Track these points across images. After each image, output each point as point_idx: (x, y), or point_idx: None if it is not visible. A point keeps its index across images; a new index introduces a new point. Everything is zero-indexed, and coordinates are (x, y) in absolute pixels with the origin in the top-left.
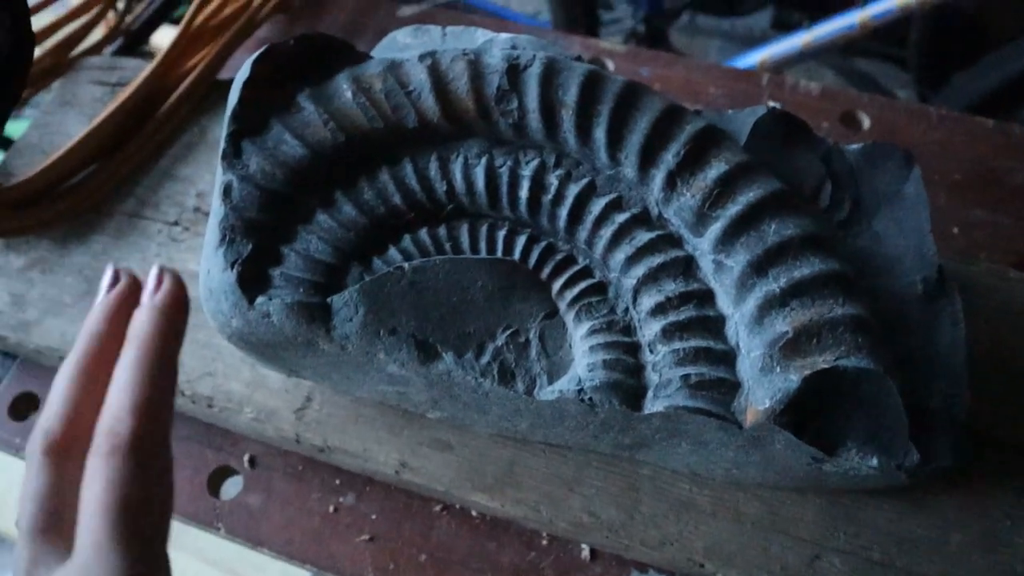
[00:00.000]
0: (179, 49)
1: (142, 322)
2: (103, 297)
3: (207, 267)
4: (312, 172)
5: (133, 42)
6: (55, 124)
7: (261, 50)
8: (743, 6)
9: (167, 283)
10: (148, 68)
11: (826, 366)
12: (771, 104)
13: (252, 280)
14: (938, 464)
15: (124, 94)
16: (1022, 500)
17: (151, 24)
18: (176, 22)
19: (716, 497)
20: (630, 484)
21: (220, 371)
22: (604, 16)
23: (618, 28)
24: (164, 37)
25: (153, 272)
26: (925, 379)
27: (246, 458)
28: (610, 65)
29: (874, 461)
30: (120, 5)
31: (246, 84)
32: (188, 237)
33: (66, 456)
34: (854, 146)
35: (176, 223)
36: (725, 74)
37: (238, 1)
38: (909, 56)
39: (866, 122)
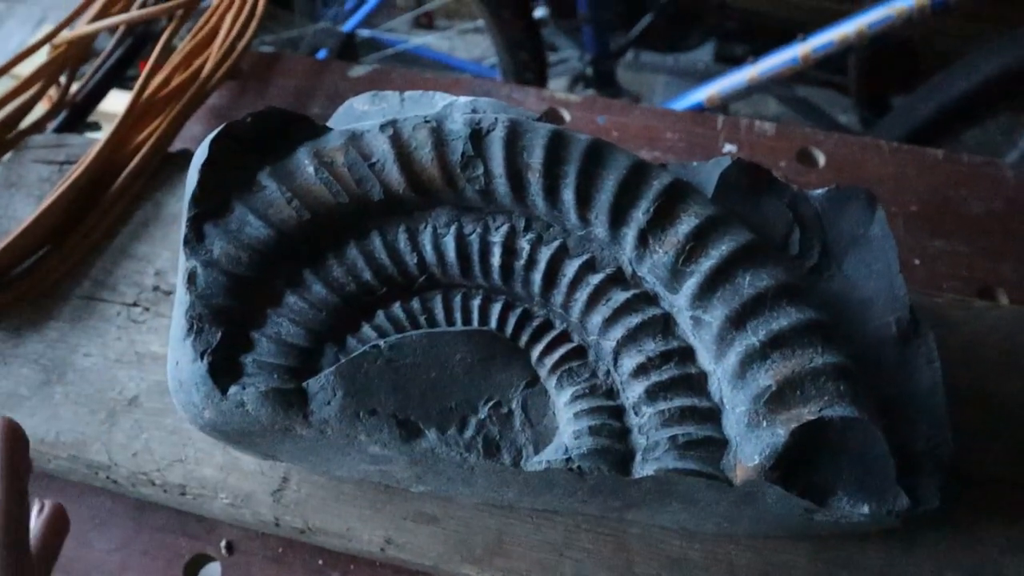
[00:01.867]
0: (129, 122)
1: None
2: None
3: (175, 358)
4: (278, 252)
5: (78, 115)
6: (1, 207)
7: (218, 130)
8: (686, 42)
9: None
10: (98, 144)
11: (812, 417)
12: (728, 149)
13: (223, 369)
14: (927, 507)
15: (75, 172)
16: (1009, 532)
17: (96, 95)
18: (124, 87)
19: (708, 551)
20: (620, 544)
21: (191, 457)
22: (550, 57)
23: (564, 69)
24: (112, 104)
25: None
26: (907, 421)
27: (223, 544)
28: (566, 115)
29: (865, 508)
30: (63, 79)
31: (204, 165)
32: (149, 318)
33: None
34: (818, 191)
35: (135, 304)
36: (681, 119)
37: (187, 71)
38: (849, 82)
39: (821, 159)
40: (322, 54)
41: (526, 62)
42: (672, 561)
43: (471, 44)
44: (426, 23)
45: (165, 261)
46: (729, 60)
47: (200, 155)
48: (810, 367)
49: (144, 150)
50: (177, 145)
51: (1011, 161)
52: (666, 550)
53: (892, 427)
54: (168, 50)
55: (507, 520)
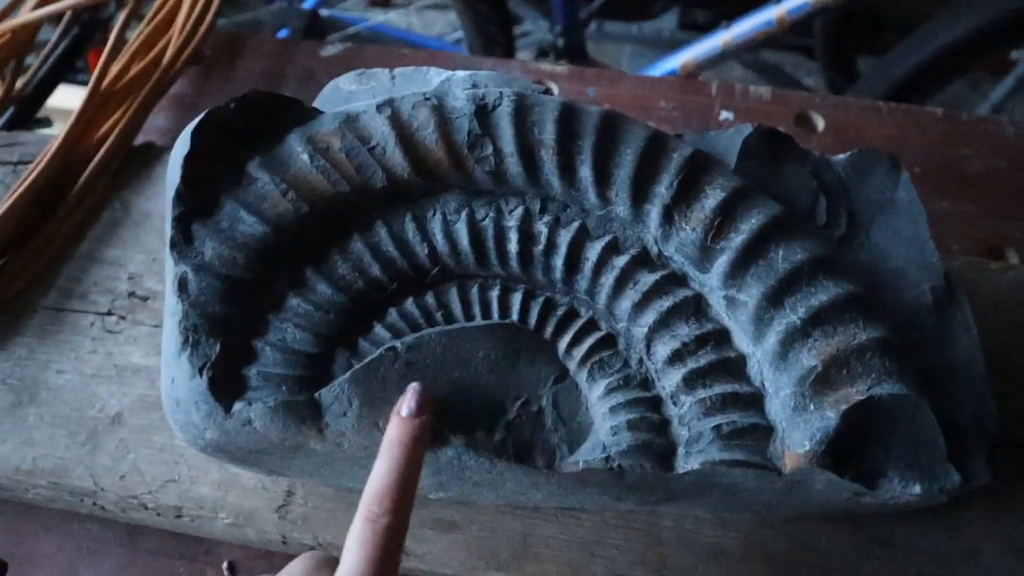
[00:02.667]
0: (88, 116)
1: (402, 438)
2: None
3: (170, 375)
4: (277, 251)
5: (26, 111)
6: None
7: (199, 118)
8: (649, 10)
9: (416, 400)
10: (55, 140)
11: (861, 398)
12: (725, 116)
13: (225, 385)
14: (978, 482)
15: (31, 172)
16: None
17: (44, 89)
18: (72, 81)
19: (743, 539)
20: (653, 538)
21: (185, 476)
22: (514, 30)
23: (528, 42)
24: (64, 98)
25: (413, 400)
26: (948, 393)
27: (224, 565)
28: (555, 88)
29: (917, 488)
30: (7, 72)
31: (188, 159)
32: (126, 327)
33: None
34: (840, 156)
35: (110, 312)
36: (673, 87)
37: (146, 58)
38: (815, 45)
39: (820, 123)
40: (282, 34)
41: (493, 36)
42: (708, 552)
43: (429, 21)
44: (382, 1)
45: (139, 264)
46: (692, 27)
47: (181, 147)
48: (855, 344)
49: (106, 145)
50: (141, 138)
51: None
52: (700, 540)
53: (935, 400)
54: (124, 37)
55: (532, 521)
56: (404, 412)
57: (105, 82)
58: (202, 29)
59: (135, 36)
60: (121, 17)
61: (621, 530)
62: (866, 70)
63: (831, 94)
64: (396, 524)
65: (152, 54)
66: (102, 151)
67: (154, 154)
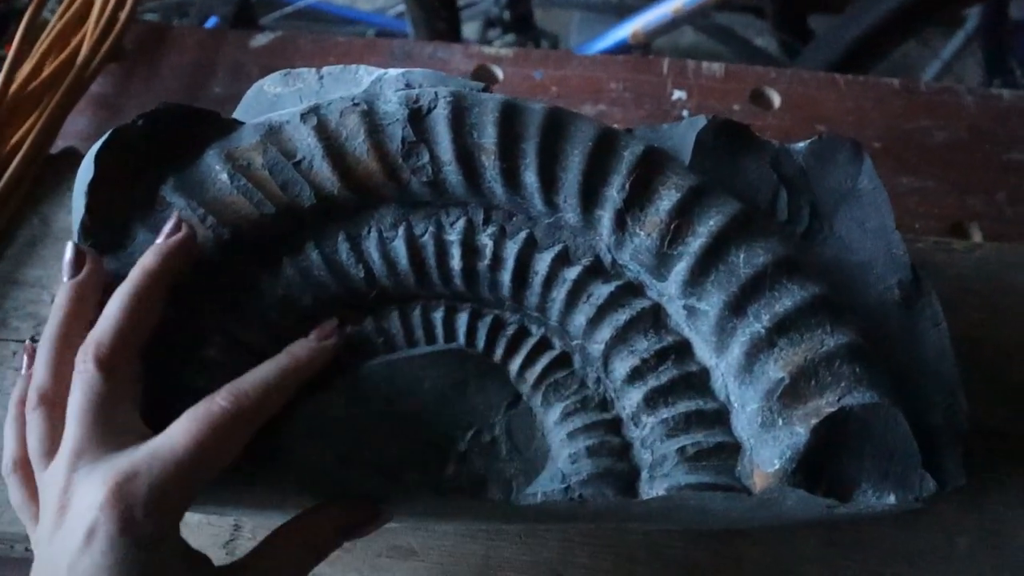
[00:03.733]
0: None
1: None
2: (67, 281)
3: None
4: (196, 285)
5: None
6: None
7: (102, 140)
8: None
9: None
10: None
11: (832, 410)
12: (677, 95)
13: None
14: (954, 485)
15: None
16: (1016, 491)
17: None
18: None
19: (715, 550)
20: (622, 555)
21: None
22: (459, 1)
23: (473, 12)
24: None
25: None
26: (919, 393)
27: None
28: (499, 72)
29: (891, 498)
30: None
31: (92, 186)
32: None
33: (52, 406)
34: (799, 145)
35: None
36: (623, 66)
37: (61, 54)
38: (765, 4)
39: (776, 99)
40: (212, 21)
41: (436, 9)
42: (678, 566)
43: None
44: None
45: None
46: None
47: (85, 174)
48: (823, 351)
49: (21, 154)
50: (59, 144)
51: (934, 73)
52: (671, 555)
53: (906, 402)
54: (35, 30)
55: (493, 543)
56: (312, 335)
57: (14, 85)
58: (121, 19)
59: (47, 31)
60: (30, 9)
61: (588, 548)
62: (819, 29)
63: (785, 59)
64: (236, 416)
65: (68, 50)
66: (15, 162)
67: (75, 161)
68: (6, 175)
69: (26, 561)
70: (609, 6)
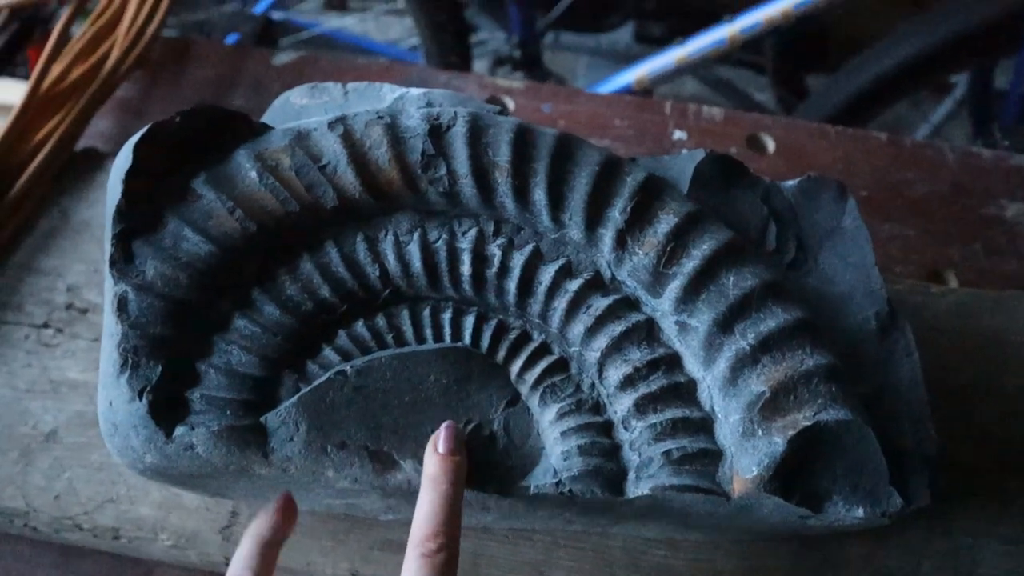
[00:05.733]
0: (26, 119)
1: (436, 467)
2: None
3: (108, 398)
4: (222, 271)
5: None
6: None
7: (142, 132)
8: (606, 22)
9: (452, 437)
10: None
11: (808, 424)
12: (678, 136)
13: (166, 408)
14: (918, 505)
15: None
16: (980, 520)
17: None
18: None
19: (692, 560)
20: (603, 559)
21: (123, 496)
22: (471, 39)
23: (484, 51)
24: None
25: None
26: (890, 417)
27: None
28: (511, 104)
29: (860, 512)
30: None
31: (129, 174)
32: (63, 340)
33: None
34: (789, 183)
35: (46, 325)
36: (628, 105)
37: (89, 60)
38: (766, 61)
39: (770, 145)
40: (233, 38)
41: (450, 44)
42: (657, 572)
43: (385, 26)
44: (338, 4)
45: (78, 275)
46: (648, 40)
47: (123, 162)
48: (802, 370)
49: (45, 149)
50: (83, 143)
51: (924, 136)
52: (650, 561)
53: (878, 424)
54: (66, 37)
55: (482, 541)
56: (441, 449)
57: (45, 84)
58: (149, 32)
59: (78, 36)
60: (64, 16)
61: (571, 550)
62: (815, 87)
63: (781, 113)
64: (451, 558)
65: (96, 56)
66: (40, 156)
67: (96, 160)
68: (31, 169)
69: (22, 538)
70: (616, 53)
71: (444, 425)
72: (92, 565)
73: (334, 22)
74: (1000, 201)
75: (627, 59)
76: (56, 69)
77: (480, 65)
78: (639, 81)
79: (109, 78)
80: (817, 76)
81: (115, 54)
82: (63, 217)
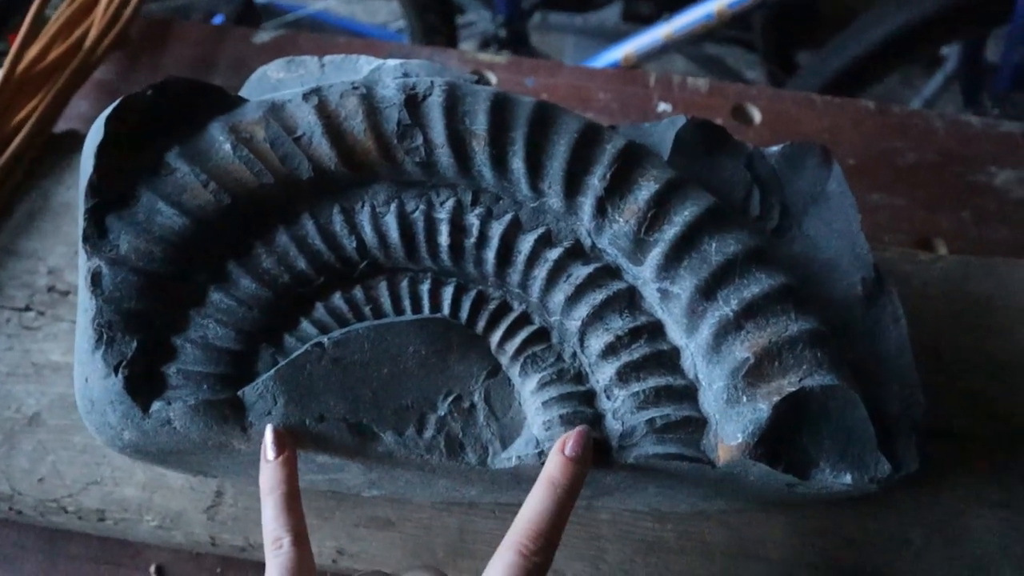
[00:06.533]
0: (3, 102)
1: (558, 470)
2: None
3: (84, 374)
4: (197, 244)
5: None
6: None
7: (113, 105)
8: (594, 1)
9: (581, 442)
10: None
11: (793, 389)
12: (663, 107)
13: (143, 384)
14: (907, 471)
15: None
16: (970, 488)
17: None
18: None
19: (681, 531)
20: (591, 533)
21: (108, 477)
22: (457, 19)
23: (471, 32)
24: None
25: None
26: (878, 383)
27: (152, 569)
28: (492, 78)
29: (848, 478)
30: None
31: (101, 148)
32: (45, 323)
33: None
34: (773, 148)
35: (28, 308)
36: (612, 78)
37: (67, 41)
38: (755, 38)
39: (756, 115)
40: (217, 20)
41: (435, 26)
42: (646, 544)
43: (372, 9)
44: None
45: (59, 257)
46: (636, 18)
47: (95, 136)
48: (786, 335)
49: (24, 132)
50: (62, 125)
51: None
52: (638, 534)
53: (865, 390)
54: (42, 18)
55: (468, 517)
56: (569, 453)
57: (21, 65)
58: (126, 12)
59: (55, 17)
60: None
61: None
62: (805, 63)
63: (769, 86)
64: (545, 564)
65: (73, 37)
66: (19, 138)
67: (76, 142)
68: (9, 150)
69: (8, 522)
70: (603, 32)
71: (578, 430)
72: (78, 548)
73: (319, 4)
74: (989, 168)
75: (615, 38)
76: (33, 50)
77: (467, 47)
78: (627, 58)
79: (87, 59)
80: (807, 52)
81: (92, 35)
82: (43, 199)
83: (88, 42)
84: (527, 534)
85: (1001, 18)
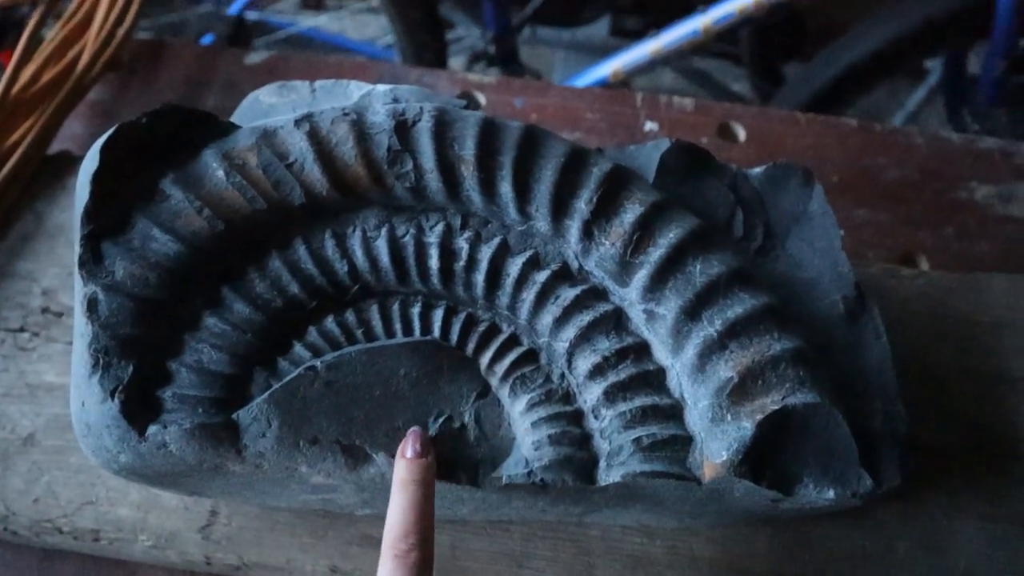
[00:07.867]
0: None
1: (405, 470)
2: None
3: (80, 399)
4: (191, 269)
5: None
6: None
7: (108, 133)
8: (582, 16)
9: (418, 440)
10: None
11: (776, 407)
12: (649, 127)
13: (139, 408)
14: (889, 486)
15: None
16: (953, 500)
17: None
18: None
19: (669, 547)
20: (580, 548)
21: (103, 497)
22: (447, 35)
23: (460, 47)
24: None
25: (414, 444)
26: (861, 399)
27: None
28: (481, 99)
29: (830, 493)
30: None
31: (97, 175)
32: (39, 344)
33: None
34: (756, 170)
35: (22, 329)
36: (599, 98)
37: (61, 62)
38: (742, 53)
39: (741, 133)
40: (207, 39)
41: (425, 42)
42: (634, 560)
43: (362, 24)
44: (314, 4)
45: (53, 278)
46: (624, 33)
47: (90, 163)
48: (769, 355)
49: (17, 153)
50: (55, 147)
51: (900, 122)
52: (627, 550)
53: (847, 406)
54: (36, 40)
55: (459, 534)
56: (409, 454)
57: (16, 87)
58: (120, 33)
59: (49, 39)
60: (34, 18)
61: (549, 541)
62: (791, 76)
63: (754, 104)
64: (425, 557)
65: (67, 59)
66: (13, 160)
67: (70, 163)
68: (3, 172)
69: (2, 543)
70: (592, 47)
71: (410, 431)
72: (73, 568)
73: (310, 21)
74: (970, 184)
75: (604, 53)
76: (27, 72)
77: (456, 62)
78: (615, 74)
79: (81, 81)
80: (794, 65)
81: (86, 57)
82: (37, 221)
83: (81, 64)
84: (396, 536)
85: (983, 32)
